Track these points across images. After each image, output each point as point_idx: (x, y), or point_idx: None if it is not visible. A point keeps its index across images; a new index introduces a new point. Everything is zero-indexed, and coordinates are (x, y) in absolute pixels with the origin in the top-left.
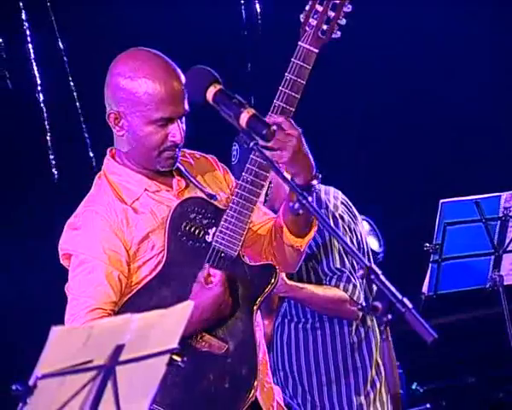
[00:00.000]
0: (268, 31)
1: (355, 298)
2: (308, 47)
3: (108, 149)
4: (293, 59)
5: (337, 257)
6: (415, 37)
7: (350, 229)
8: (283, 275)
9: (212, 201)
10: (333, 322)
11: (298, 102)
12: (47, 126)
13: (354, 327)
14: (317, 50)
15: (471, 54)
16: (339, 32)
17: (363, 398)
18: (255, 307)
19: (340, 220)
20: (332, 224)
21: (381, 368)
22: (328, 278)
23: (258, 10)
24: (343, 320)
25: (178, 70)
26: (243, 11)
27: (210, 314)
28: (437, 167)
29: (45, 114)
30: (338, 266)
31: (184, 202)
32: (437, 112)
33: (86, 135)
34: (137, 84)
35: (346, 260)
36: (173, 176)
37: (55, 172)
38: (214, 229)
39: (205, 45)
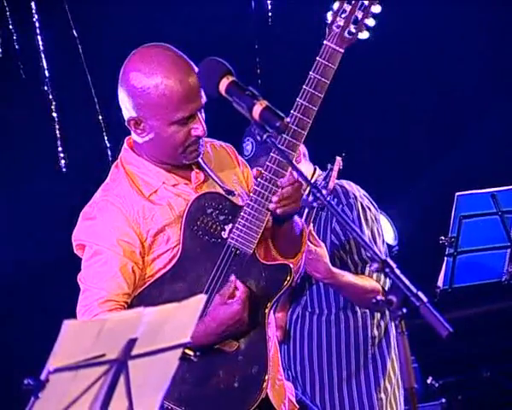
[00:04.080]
0: (278, 24)
1: (386, 288)
2: (334, 46)
3: (126, 139)
4: (318, 58)
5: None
6: (427, 29)
7: (377, 220)
8: (327, 260)
9: (229, 197)
10: (356, 314)
11: (320, 102)
12: (56, 118)
13: (376, 320)
14: (342, 50)
15: (487, 47)
16: (366, 33)
17: (382, 394)
18: (268, 307)
19: (367, 211)
20: (361, 214)
21: (397, 363)
22: (360, 267)
23: (269, 3)
24: (367, 313)
25: (191, 63)
26: (253, 4)
27: (225, 328)
28: (452, 160)
29: (54, 106)
30: (369, 254)
31: (202, 197)
32: (454, 104)
33: (103, 126)
34: (154, 89)
35: (375, 248)
36: (192, 169)
37: (63, 163)
38: (230, 225)
39: (214, 38)
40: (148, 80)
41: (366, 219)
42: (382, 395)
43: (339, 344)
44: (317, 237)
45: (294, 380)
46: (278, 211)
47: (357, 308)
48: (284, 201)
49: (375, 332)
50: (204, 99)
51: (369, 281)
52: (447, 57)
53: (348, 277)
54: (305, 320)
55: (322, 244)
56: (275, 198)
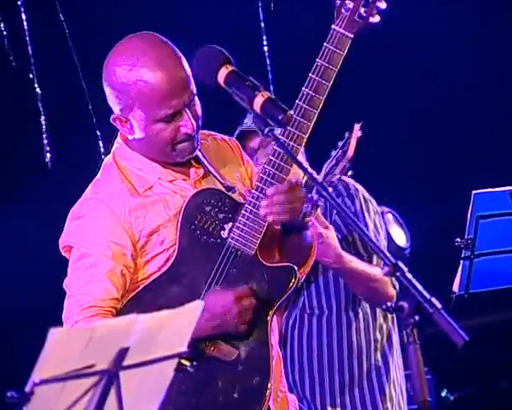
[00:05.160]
0: (283, 13)
1: (393, 281)
2: (342, 31)
3: (119, 132)
4: (325, 43)
5: (372, 235)
6: (443, 21)
7: (378, 213)
8: (336, 242)
9: (229, 194)
10: (358, 316)
11: (328, 90)
12: (41, 108)
13: (378, 324)
14: (351, 35)
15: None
16: (377, 17)
17: (388, 403)
18: (271, 312)
19: (369, 202)
20: (363, 205)
21: (400, 371)
22: (366, 258)
23: None
24: (369, 314)
25: (177, 53)
26: None
27: (213, 316)
28: (469, 157)
29: (39, 96)
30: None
31: (200, 194)
32: (469, 100)
33: (93, 116)
34: (134, 86)
35: (378, 237)
36: (190, 164)
37: (49, 157)
38: (230, 224)
39: (218, 27)
40: (127, 76)
41: (368, 211)
42: (388, 404)
43: (341, 347)
44: (324, 220)
45: (292, 389)
46: (270, 218)
47: (359, 310)
48: (276, 207)
49: (378, 336)
50: (193, 91)
51: (375, 270)
52: (464, 52)
53: (356, 263)
54: (303, 323)
55: (331, 227)
56: (263, 203)
